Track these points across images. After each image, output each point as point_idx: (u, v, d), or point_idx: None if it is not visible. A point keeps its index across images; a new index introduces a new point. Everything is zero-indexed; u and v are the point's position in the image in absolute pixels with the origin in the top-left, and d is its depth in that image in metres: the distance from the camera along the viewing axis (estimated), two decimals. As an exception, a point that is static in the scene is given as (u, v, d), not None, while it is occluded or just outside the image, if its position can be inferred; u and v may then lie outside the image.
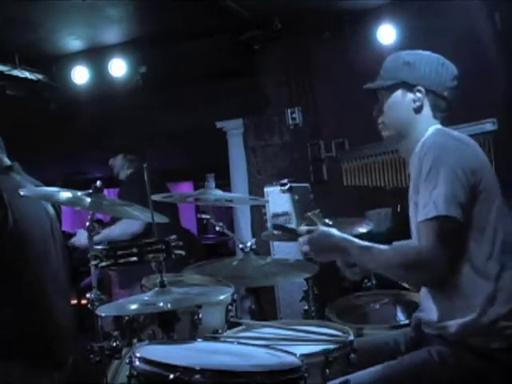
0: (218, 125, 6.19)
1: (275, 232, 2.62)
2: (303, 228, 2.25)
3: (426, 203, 1.95)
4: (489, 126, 4.13)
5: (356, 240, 2.12)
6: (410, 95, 2.17)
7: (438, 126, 2.18)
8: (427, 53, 2.23)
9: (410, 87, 2.17)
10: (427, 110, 2.18)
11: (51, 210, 2.76)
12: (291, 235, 2.36)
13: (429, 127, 2.16)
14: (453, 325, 1.98)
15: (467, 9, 4.50)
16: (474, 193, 1.97)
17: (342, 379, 2.05)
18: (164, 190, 3.95)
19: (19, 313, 2.47)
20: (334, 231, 2.16)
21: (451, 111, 2.23)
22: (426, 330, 2.13)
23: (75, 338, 2.74)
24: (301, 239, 2.20)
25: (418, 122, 2.18)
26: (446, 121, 2.25)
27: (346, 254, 2.12)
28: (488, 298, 1.95)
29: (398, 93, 2.19)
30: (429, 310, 2.10)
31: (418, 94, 2.16)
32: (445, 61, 2.20)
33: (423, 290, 2.16)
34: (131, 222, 3.99)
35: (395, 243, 2.23)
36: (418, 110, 2.18)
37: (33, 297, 2.53)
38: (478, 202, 1.98)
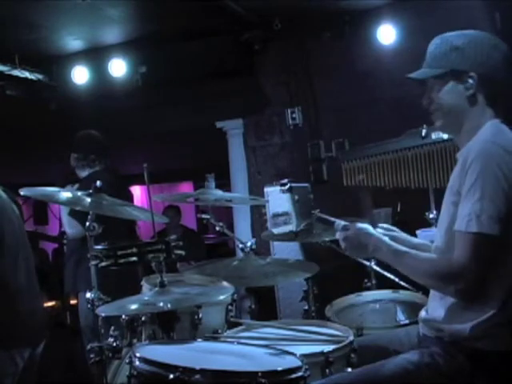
0: (218, 125, 6.18)
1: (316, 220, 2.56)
2: (340, 222, 2.24)
3: (468, 214, 1.87)
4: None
5: (390, 242, 2.10)
6: (462, 83, 2.03)
7: (494, 121, 2.04)
8: (476, 33, 2.08)
9: (460, 74, 2.03)
10: (481, 99, 2.04)
11: (16, 209, 2.82)
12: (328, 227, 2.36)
13: (484, 120, 2.03)
14: (455, 326, 1.96)
15: (467, 9, 4.50)
16: None
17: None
18: (122, 195, 3.60)
19: None
20: (371, 229, 2.15)
21: (510, 98, 2.10)
22: (423, 329, 2.12)
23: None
24: (337, 234, 2.20)
25: (471, 113, 2.04)
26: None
27: (378, 254, 2.11)
28: (500, 308, 1.91)
29: (449, 81, 2.05)
30: (433, 309, 2.07)
31: (470, 81, 2.01)
32: (496, 41, 2.06)
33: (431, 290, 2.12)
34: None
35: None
36: (472, 99, 2.03)
37: (7, 286, 2.62)
38: None
